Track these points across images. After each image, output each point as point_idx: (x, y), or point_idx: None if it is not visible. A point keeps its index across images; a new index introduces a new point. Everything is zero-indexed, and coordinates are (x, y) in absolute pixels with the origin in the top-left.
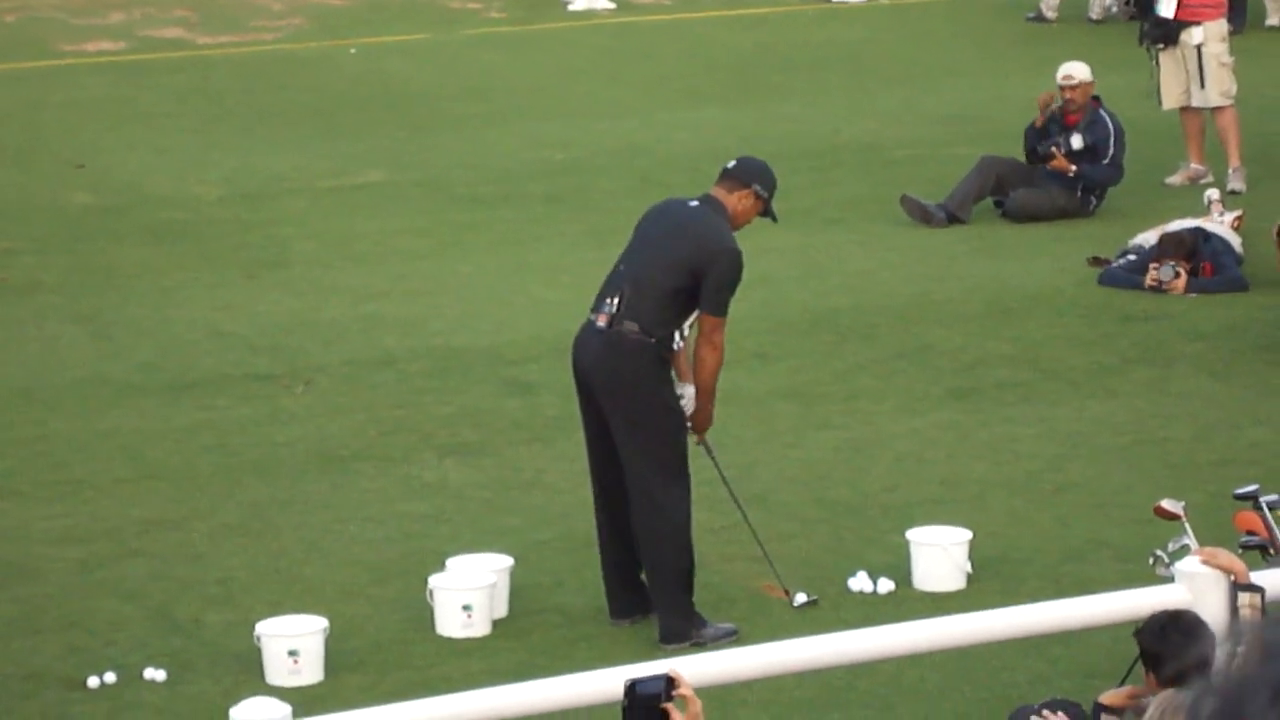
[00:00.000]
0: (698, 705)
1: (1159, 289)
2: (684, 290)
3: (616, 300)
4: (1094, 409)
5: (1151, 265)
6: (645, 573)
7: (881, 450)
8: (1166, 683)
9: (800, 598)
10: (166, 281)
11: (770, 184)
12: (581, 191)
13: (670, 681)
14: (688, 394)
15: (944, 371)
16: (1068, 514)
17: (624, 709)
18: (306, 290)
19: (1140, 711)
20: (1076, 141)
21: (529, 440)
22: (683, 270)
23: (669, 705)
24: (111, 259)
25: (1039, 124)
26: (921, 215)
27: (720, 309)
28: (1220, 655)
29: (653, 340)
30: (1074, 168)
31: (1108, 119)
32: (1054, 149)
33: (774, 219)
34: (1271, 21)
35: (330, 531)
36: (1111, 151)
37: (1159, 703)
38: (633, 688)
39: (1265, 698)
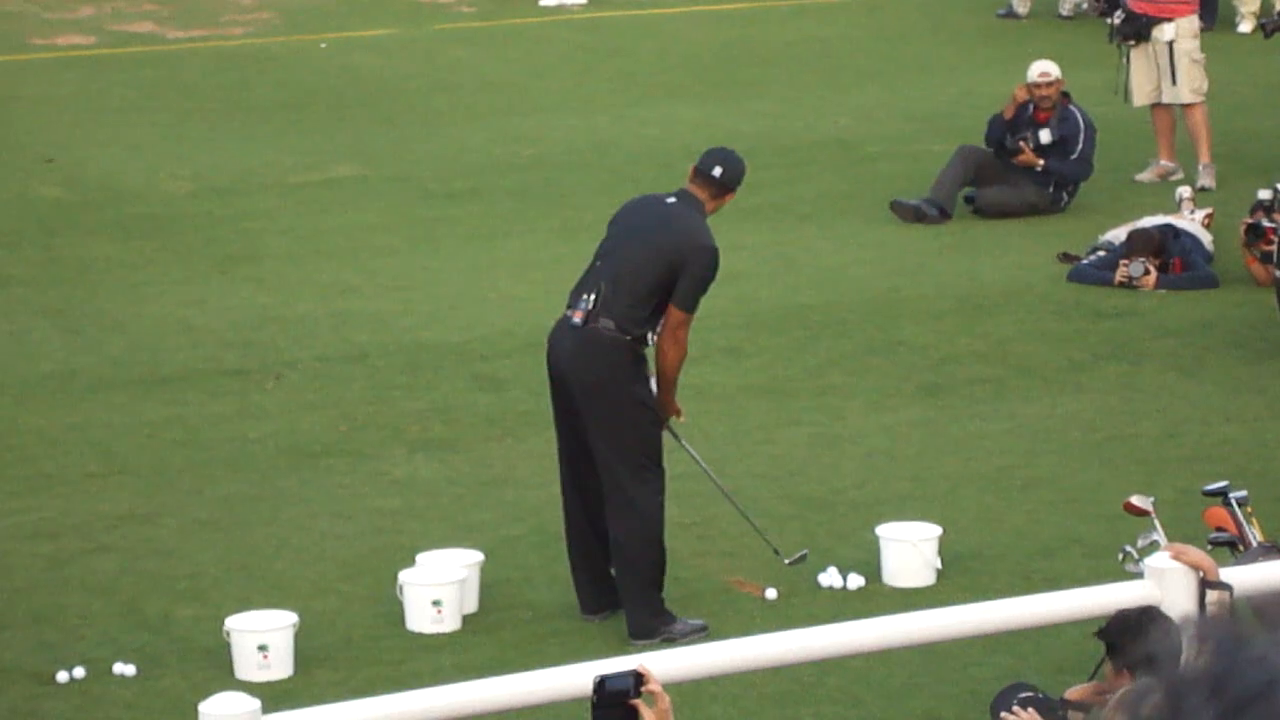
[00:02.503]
0: (666, 701)
1: (1129, 285)
2: (661, 287)
3: (593, 297)
4: (1064, 405)
5: (1121, 262)
6: (615, 568)
7: (852, 446)
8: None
9: (771, 593)
10: (137, 276)
11: (738, 173)
12: (552, 187)
13: (639, 677)
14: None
15: (915, 368)
16: (1037, 510)
17: (593, 705)
18: (277, 285)
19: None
20: (1045, 136)
21: (500, 436)
22: (662, 267)
23: (638, 701)
24: (82, 253)
25: (1007, 115)
26: (915, 216)
27: (691, 305)
28: (1176, 650)
29: (628, 337)
30: (1041, 162)
31: (1078, 114)
32: (1021, 143)
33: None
34: (1242, 29)
35: (300, 527)
36: (1081, 146)
37: (1118, 700)
38: (602, 684)
39: (1203, 693)
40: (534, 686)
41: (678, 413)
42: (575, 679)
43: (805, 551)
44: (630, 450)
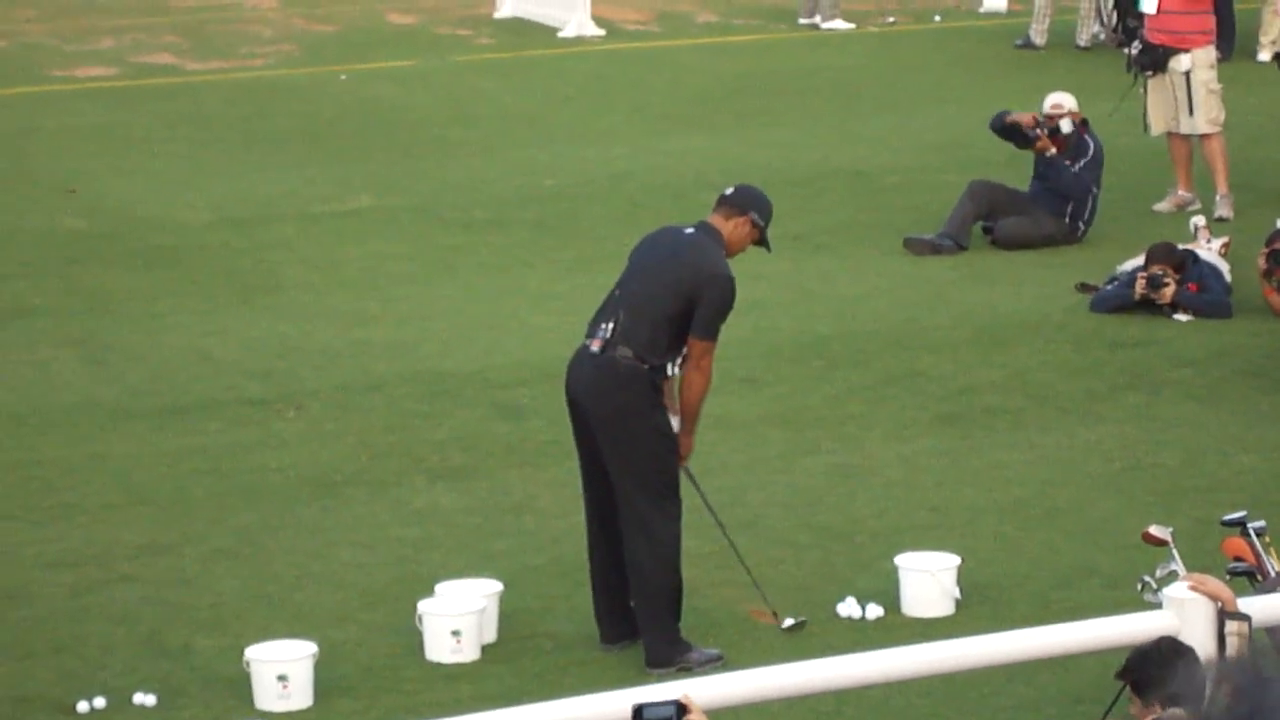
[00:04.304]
0: None
1: (1149, 296)
2: (679, 317)
3: (611, 326)
4: (1083, 435)
5: (1140, 274)
6: (633, 597)
7: (871, 476)
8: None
9: (788, 621)
10: (157, 306)
11: (767, 213)
12: (570, 217)
13: (681, 708)
14: (674, 424)
15: (933, 397)
16: (1056, 540)
17: None
18: (297, 315)
19: None
20: (1065, 126)
21: (519, 464)
22: (678, 296)
23: None
24: (103, 284)
25: (1023, 121)
26: (931, 250)
27: (710, 334)
28: (1200, 681)
29: (646, 366)
30: (1054, 149)
31: (1090, 141)
32: (1040, 131)
33: (768, 248)
34: (1262, 57)
35: (320, 556)
36: (1083, 163)
37: None
38: (639, 713)
39: None
40: (572, 714)
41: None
42: (614, 706)
43: (804, 620)
44: (647, 478)
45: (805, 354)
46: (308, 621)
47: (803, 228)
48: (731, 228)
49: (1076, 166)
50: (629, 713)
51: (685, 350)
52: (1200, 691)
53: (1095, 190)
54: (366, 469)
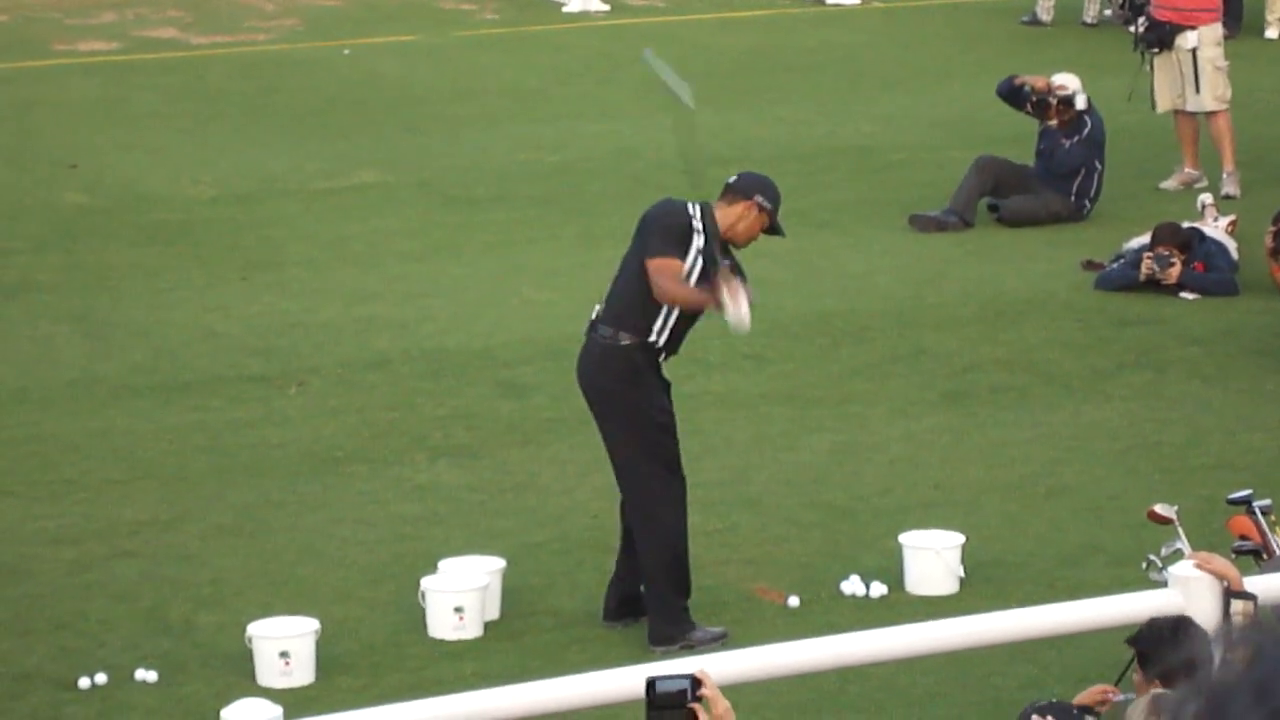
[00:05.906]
0: (722, 706)
1: (1154, 277)
2: (640, 275)
3: (600, 306)
4: (1088, 413)
5: (1146, 255)
6: (641, 576)
7: (875, 454)
8: (1164, 683)
9: (794, 600)
10: (160, 282)
11: (773, 196)
12: (574, 194)
13: (696, 681)
14: (735, 313)
15: (938, 375)
16: (1061, 518)
17: (648, 706)
18: (300, 292)
19: (1121, 707)
20: (1080, 102)
21: (522, 442)
22: (635, 254)
23: (696, 705)
24: (105, 259)
25: (1035, 85)
26: (936, 227)
27: (651, 252)
28: (1211, 659)
29: (623, 344)
30: (1055, 122)
31: (1088, 120)
32: (1050, 99)
33: (781, 234)
34: (1270, 35)
35: (323, 533)
36: (1078, 139)
37: (1150, 704)
38: (652, 686)
39: (1248, 700)
40: (584, 690)
41: (718, 289)
42: (628, 682)
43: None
44: (641, 458)
45: (810, 331)
46: (309, 598)
47: (807, 205)
48: (736, 213)
49: (1069, 143)
50: (642, 688)
51: (663, 318)
52: (1211, 664)
53: (1099, 167)
54: (368, 446)
